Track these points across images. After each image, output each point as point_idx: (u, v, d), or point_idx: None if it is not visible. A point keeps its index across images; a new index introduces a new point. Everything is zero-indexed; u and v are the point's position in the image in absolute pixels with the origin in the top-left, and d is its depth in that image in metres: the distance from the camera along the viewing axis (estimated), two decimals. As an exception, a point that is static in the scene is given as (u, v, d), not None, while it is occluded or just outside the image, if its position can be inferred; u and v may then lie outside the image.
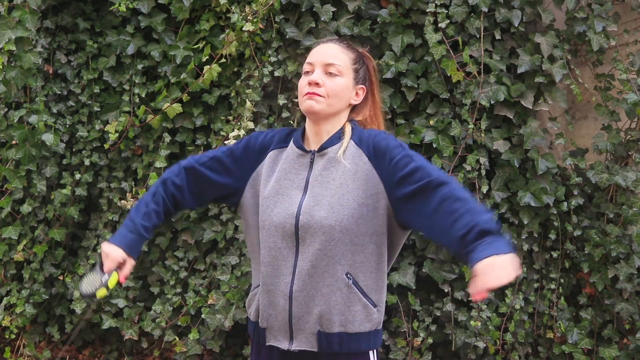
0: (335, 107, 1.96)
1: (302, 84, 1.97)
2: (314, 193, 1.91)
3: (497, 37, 3.42)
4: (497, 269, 1.61)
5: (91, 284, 1.89)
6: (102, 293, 1.88)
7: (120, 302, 3.76)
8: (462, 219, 1.71)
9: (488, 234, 1.67)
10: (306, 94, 1.95)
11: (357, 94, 2.02)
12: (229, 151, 2.06)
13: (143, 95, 3.71)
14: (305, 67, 1.99)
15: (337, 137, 1.98)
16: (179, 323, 3.68)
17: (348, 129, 1.99)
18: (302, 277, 1.88)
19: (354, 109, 2.03)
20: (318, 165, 1.95)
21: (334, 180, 1.92)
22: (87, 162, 3.78)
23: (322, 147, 1.96)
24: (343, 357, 1.91)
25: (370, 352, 1.96)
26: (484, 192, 3.39)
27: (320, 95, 1.94)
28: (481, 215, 1.71)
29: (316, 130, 1.98)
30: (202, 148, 3.65)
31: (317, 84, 1.94)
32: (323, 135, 1.98)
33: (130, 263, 2.00)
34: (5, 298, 3.84)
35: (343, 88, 1.97)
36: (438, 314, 3.45)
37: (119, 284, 1.95)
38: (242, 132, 3.46)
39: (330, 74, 1.96)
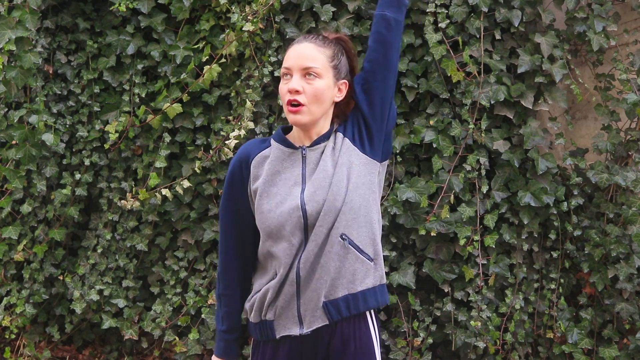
0: (319, 112, 1.94)
1: (283, 90, 1.93)
2: (314, 183, 1.91)
3: (497, 37, 3.42)
4: None
5: None
6: None
7: (120, 302, 3.76)
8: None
9: None
10: (288, 103, 1.91)
11: (339, 89, 1.98)
12: (228, 201, 2.05)
13: (143, 95, 3.71)
14: (283, 71, 1.94)
15: (329, 132, 1.98)
16: (179, 323, 3.68)
17: (336, 124, 2.00)
18: (308, 262, 1.88)
19: (338, 103, 2.00)
20: (312, 159, 1.94)
21: (329, 167, 1.92)
22: (87, 162, 3.78)
23: (315, 143, 1.96)
24: (354, 319, 1.93)
25: (368, 313, 1.97)
26: (484, 192, 3.39)
27: (302, 104, 1.90)
28: None
29: (305, 132, 1.98)
30: (202, 148, 3.65)
31: (297, 92, 1.90)
32: (313, 136, 1.98)
33: None
34: (5, 298, 3.84)
35: (324, 90, 1.93)
36: (438, 314, 3.45)
37: None
38: (242, 132, 3.47)
39: (309, 78, 1.91)
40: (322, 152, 1.95)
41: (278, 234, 1.91)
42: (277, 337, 1.94)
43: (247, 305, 2.03)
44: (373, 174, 1.96)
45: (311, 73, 1.91)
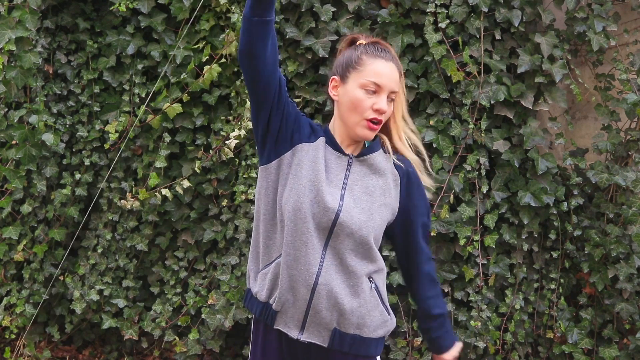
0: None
1: (365, 104, 1.92)
2: (354, 196, 1.92)
3: (497, 37, 3.42)
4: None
5: None
6: None
7: (120, 302, 3.76)
8: (436, 299, 2.08)
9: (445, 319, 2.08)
10: (369, 120, 1.92)
11: None
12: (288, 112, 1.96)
13: (143, 95, 3.71)
14: (370, 85, 1.92)
15: (376, 144, 2.00)
16: (179, 323, 3.68)
17: (388, 142, 2.02)
18: (330, 273, 1.88)
19: None
20: (356, 169, 1.96)
21: (374, 188, 1.95)
22: (87, 162, 3.78)
23: (362, 154, 1.98)
24: (350, 357, 1.94)
25: (378, 358, 2.00)
26: (484, 192, 3.39)
27: (380, 123, 1.94)
28: (443, 303, 2.11)
29: (354, 140, 1.99)
30: (202, 148, 3.65)
31: (383, 112, 1.93)
32: (358, 143, 2.00)
33: None
34: (5, 298, 3.84)
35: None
36: (438, 314, 3.45)
37: None
38: (242, 132, 3.47)
39: (389, 100, 1.94)
40: (370, 167, 1.97)
41: (307, 217, 1.88)
42: (274, 327, 1.94)
43: (257, 278, 1.99)
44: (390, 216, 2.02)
45: (393, 97, 1.95)
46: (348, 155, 1.97)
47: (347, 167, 1.96)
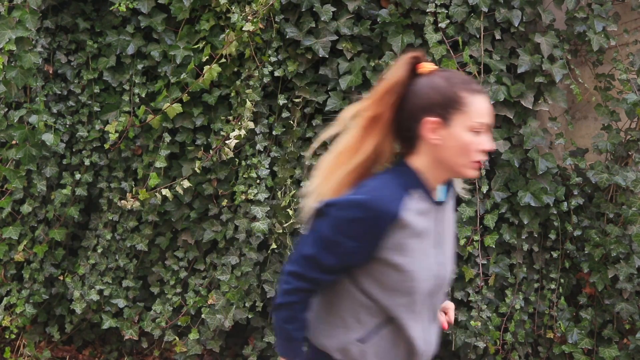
0: None
1: (474, 147, 1.76)
2: (445, 249, 1.83)
3: (497, 37, 3.42)
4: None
5: None
6: None
7: (120, 302, 3.76)
8: None
9: None
10: (477, 162, 1.77)
11: None
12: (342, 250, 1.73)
13: (143, 95, 3.71)
14: (477, 126, 1.76)
15: (448, 184, 1.89)
16: (179, 323, 3.68)
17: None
18: (430, 333, 1.84)
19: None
20: (441, 217, 1.84)
21: (450, 231, 1.88)
22: (87, 162, 3.78)
23: (443, 199, 1.86)
24: None
25: None
26: (484, 192, 3.39)
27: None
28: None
29: (444, 180, 1.85)
30: (202, 148, 3.65)
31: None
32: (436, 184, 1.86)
33: None
34: (5, 298, 3.84)
35: None
36: (438, 314, 3.45)
37: None
38: (242, 132, 3.47)
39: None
40: (446, 212, 1.87)
41: (415, 303, 1.77)
42: None
43: (357, 352, 1.81)
44: None
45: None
46: (435, 203, 1.81)
47: (436, 217, 1.82)
